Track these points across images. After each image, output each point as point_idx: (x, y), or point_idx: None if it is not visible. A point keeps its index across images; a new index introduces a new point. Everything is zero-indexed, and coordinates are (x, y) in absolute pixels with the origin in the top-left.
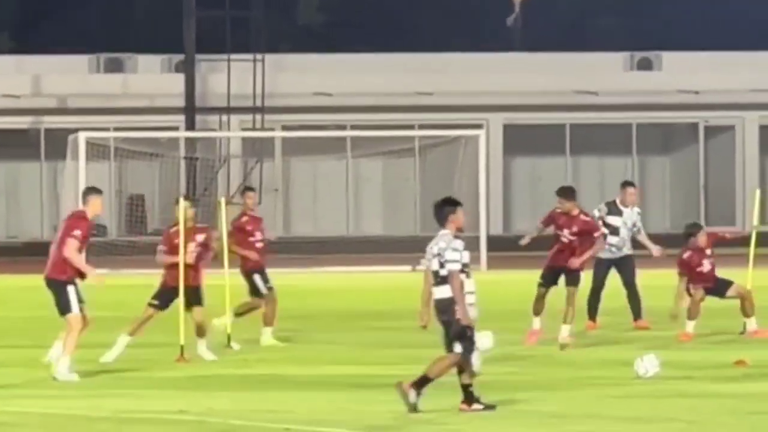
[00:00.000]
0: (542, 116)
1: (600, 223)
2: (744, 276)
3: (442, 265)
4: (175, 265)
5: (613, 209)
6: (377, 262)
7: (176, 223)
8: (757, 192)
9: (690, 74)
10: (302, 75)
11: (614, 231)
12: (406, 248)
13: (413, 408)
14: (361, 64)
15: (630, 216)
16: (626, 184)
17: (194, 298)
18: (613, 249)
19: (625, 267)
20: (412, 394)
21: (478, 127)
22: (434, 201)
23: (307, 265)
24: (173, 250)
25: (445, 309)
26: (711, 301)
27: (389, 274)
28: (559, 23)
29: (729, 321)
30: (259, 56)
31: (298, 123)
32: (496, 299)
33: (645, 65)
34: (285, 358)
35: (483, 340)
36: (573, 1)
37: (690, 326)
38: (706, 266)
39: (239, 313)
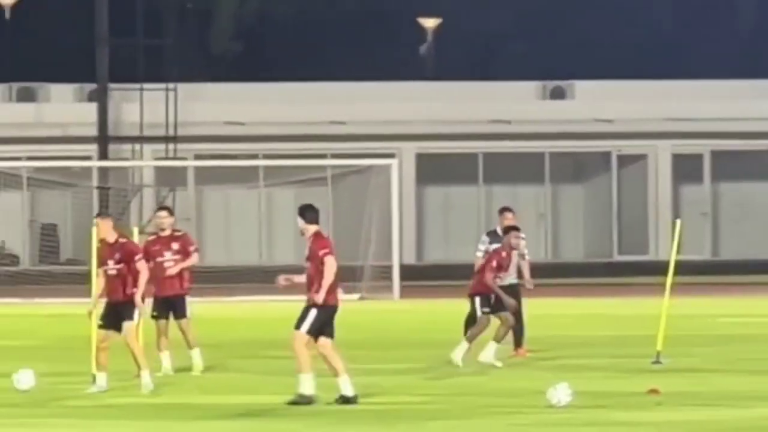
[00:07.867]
0: (455, 145)
1: (484, 253)
2: (659, 305)
3: None
4: (157, 276)
5: (495, 238)
6: (290, 291)
7: (154, 233)
8: (678, 222)
9: (603, 103)
10: (215, 104)
11: None
12: None
13: None
14: (274, 94)
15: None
16: (504, 209)
17: (179, 308)
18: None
19: (514, 297)
20: None
21: (391, 156)
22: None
23: (220, 294)
24: (150, 258)
25: None
26: (623, 329)
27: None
28: (472, 52)
29: (641, 349)
30: (171, 85)
31: (210, 152)
32: (409, 328)
33: (558, 94)
34: (194, 387)
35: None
36: (485, 29)
37: None
38: None
39: None
